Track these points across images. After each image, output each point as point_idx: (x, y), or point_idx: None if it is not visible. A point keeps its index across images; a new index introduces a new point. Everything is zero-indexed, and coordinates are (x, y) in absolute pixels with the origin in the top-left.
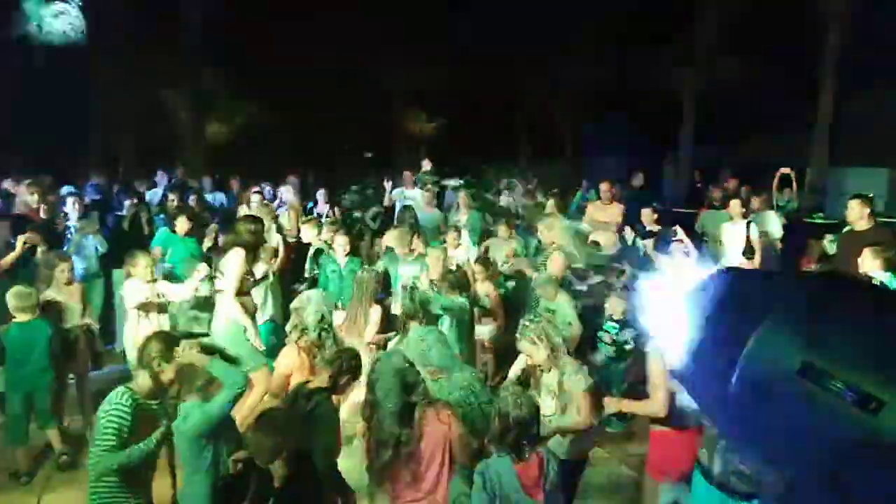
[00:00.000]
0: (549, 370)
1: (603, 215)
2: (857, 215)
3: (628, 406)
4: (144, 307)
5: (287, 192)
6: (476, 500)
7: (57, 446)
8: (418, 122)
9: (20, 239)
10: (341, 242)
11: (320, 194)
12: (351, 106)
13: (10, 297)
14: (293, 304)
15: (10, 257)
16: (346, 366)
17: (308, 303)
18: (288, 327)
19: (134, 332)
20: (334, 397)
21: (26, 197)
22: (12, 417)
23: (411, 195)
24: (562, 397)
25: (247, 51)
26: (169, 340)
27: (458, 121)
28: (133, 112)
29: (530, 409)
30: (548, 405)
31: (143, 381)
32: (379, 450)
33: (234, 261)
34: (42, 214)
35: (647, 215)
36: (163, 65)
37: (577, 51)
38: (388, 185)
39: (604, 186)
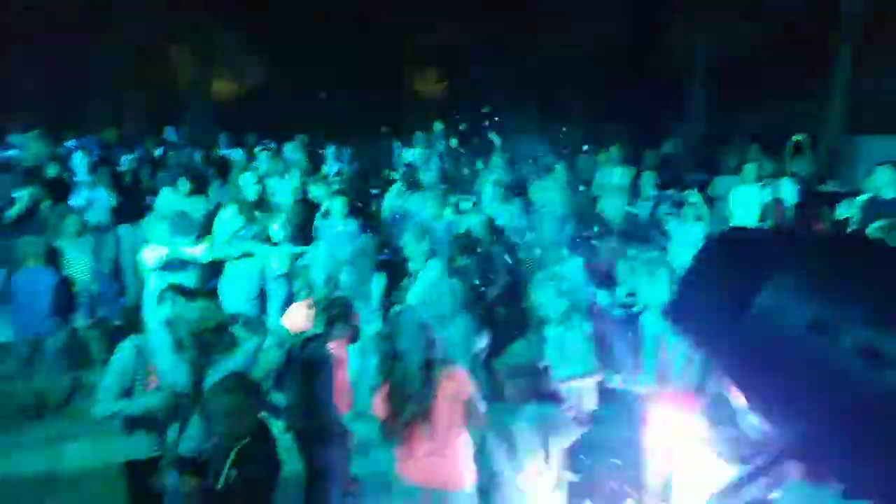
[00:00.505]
0: None
1: None
2: (888, 181)
3: None
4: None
5: (294, 151)
6: None
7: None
8: (433, 81)
9: (27, 192)
10: (339, 204)
11: (329, 152)
12: (367, 64)
13: (19, 244)
14: (301, 263)
15: (16, 209)
16: (339, 312)
17: (316, 262)
18: (296, 286)
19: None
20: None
21: (34, 150)
22: (18, 362)
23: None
24: None
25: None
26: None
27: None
28: (142, 67)
29: None
30: None
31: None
32: (397, 406)
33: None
34: (49, 168)
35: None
36: (172, 19)
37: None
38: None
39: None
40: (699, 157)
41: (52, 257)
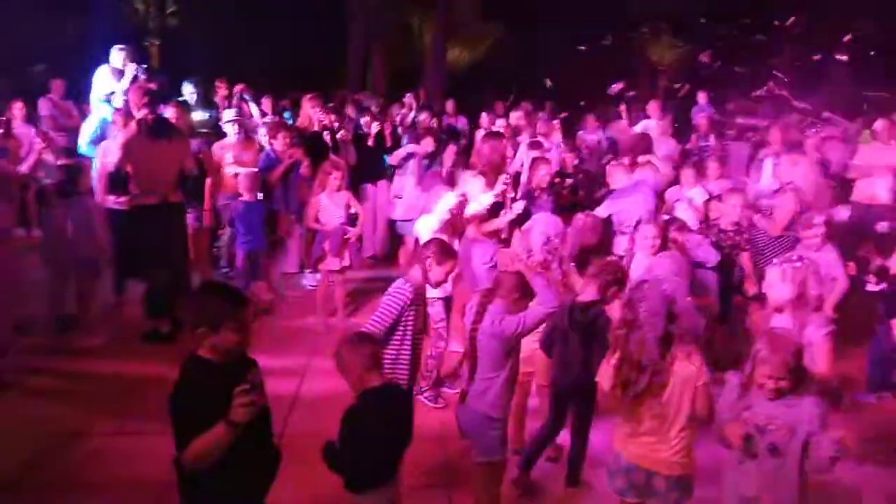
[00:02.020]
0: None
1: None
2: None
3: None
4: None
5: (518, 118)
6: None
7: None
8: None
9: (288, 153)
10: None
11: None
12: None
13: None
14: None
15: (279, 170)
16: (613, 278)
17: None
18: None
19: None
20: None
21: (309, 111)
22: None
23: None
24: None
25: None
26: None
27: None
28: (384, 36)
29: None
30: None
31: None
32: (632, 374)
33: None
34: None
35: None
36: None
37: None
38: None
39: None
40: None
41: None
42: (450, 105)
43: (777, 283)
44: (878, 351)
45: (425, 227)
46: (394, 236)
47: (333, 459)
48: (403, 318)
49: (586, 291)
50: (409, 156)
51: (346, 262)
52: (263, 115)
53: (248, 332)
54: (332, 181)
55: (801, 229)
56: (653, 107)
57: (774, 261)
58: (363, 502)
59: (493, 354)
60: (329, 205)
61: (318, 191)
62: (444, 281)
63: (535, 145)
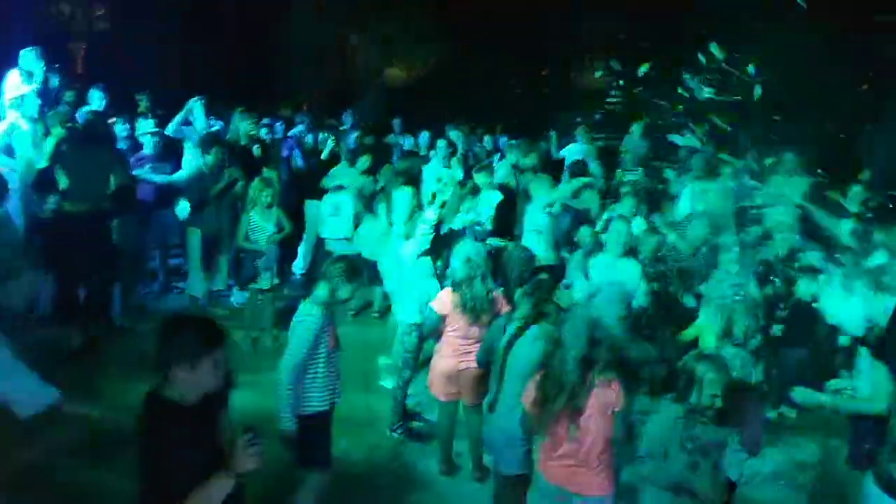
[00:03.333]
0: None
1: None
2: None
3: None
4: None
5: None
6: None
7: None
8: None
9: (226, 172)
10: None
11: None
12: (533, 52)
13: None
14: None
15: (218, 188)
16: (546, 293)
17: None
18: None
19: None
20: None
21: (240, 125)
22: None
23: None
24: None
25: None
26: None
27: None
28: (321, 53)
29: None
30: None
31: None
32: (551, 391)
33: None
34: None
35: None
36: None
37: None
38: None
39: None
40: None
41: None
42: (396, 124)
43: None
44: None
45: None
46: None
47: None
48: (317, 342)
49: (521, 308)
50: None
51: (276, 280)
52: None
53: (224, 371)
54: (263, 198)
55: None
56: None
57: None
58: None
59: (525, 374)
60: (260, 222)
61: (249, 207)
62: (351, 298)
63: None
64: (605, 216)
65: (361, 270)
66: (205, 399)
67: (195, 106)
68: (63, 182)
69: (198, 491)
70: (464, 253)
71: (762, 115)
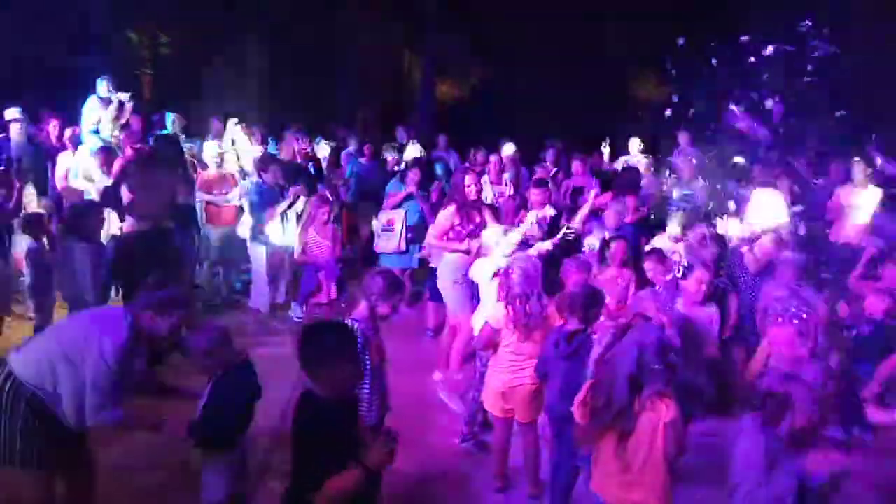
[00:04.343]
0: None
1: None
2: None
3: None
4: None
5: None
6: None
7: None
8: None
9: (292, 190)
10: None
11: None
12: (579, 72)
13: None
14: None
15: (283, 205)
16: (592, 301)
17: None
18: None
19: None
20: None
21: (295, 145)
22: None
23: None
24: None
25: (482, 17)
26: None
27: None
28: (375, 74)
29: None
30: None
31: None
32: (598, 403)
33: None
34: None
35: None
36: (405, 30)
37: None
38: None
39: None
40: None
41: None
42: (441, 140)
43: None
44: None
45: (483, 271)
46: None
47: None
48: (363, 360)
49: (570, 321)
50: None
51: (334, 296)
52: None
53: (359, 369)
54: (321, 215)
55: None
56: (632, 142)
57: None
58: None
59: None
60: (318, 238)
61: (308, 224)
62: (391, 314)
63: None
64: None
65: (402, 285)
66: (346, 396)
67: (234, 127)
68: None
69: (334, 480)
70: (523, 268)
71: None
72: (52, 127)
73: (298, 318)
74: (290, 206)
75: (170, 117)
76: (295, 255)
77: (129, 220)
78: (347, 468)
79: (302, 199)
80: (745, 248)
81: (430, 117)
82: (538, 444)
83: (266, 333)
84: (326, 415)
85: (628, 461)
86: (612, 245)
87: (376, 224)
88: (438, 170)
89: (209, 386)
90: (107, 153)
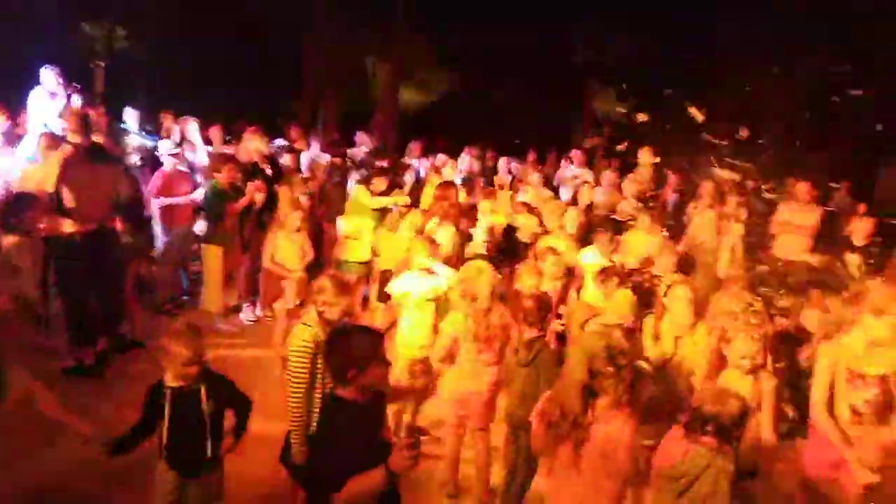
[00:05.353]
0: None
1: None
2: None
3: None
4: None
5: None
6: None
7: None
8: (608, 101)
9: (250, 186)
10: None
11: (501, 163)
12: (542, 81)
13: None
14: (462, 275)
15: (242, 202)
16: (544, 309)
17: (479, 273)
18: (455, 295)
19: None
20: None
21: (251, 144)
22: None
23: (580, 174)
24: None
25: (448, 24)
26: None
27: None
28: (336, 76)
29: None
30: None
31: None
32: (555, 420)
33: None
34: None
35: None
36: (370, 32)
37: None
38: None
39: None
40: None
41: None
42: (416, 147)
43: None
44: None
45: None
46: None
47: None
48: (314, 368)
49: (527, 329)
50: None
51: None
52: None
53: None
54: (291, 222)
55: None
56: (576, 154)
57: None
58: None
59: None
60: (287, 245)
61: (276, 229)
62: (340, 319)
63: None
64: None
65: (350, 288)
66: (373, 398)
67: (189, 127)
68: (69, 200)
69: (358, 481)
70: (487, 279)
71: None
72: None
73: (250, 320)
74: (248, 204)
75: (128, 112)
76: (264, 263)
77: (69, 222)
78: (371, 470)
79: (259, 195)
80: None
81: (393, 123)
82: (489, 452)
83: (217, 335)
84: (355, 418)
85: (582, 471)
86: None
87: (340, 230)
88: (407, 178)
89: None
90: (51, 138)
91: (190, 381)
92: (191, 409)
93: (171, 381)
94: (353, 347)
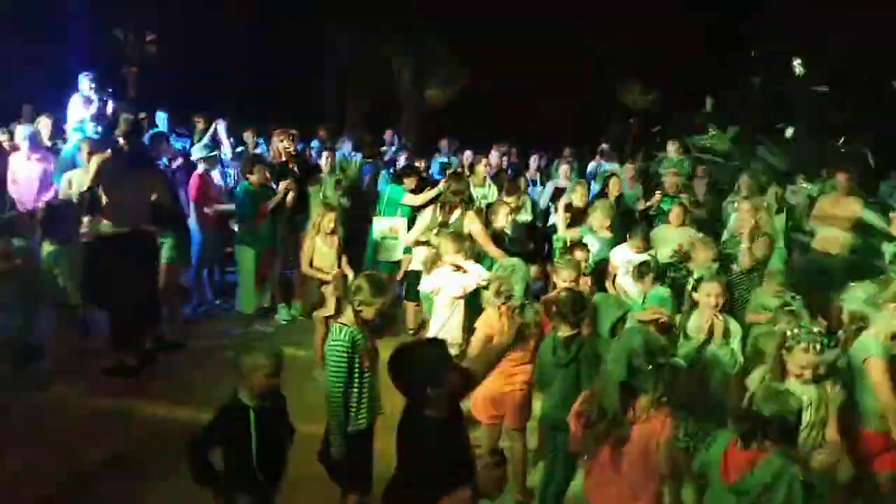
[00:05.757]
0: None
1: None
2: None
3: None
4: None
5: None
6: None
7: None
8: (632, 94)
9: (282, 184)
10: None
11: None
12: (566, 75)
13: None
14: (496, 273)
15: (273, 201)
16: (580, 306)
17: (514, 271)
18: (490, 293)
19: None
20: None
21: (278, 144)
22: None
23: (610, 168)
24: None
25: (469, 19)
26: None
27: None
28: (362, 75)
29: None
30: None
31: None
32: (592, 413)
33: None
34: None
35: None
36: (392, 31)
37: None
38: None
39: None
40: None
41: None
42: (444, 143)
43: None
44: None
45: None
46: None
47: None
48: (351, 363)
49: (562, 328)
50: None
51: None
52: (235, 147)
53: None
54: (327, 223)
55: None
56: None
57: None
58: None
59: None
60: (323, 248)
61: (312, 232)
62: (376, 318)
63: None
64: None
65: (386, 287)
66: (452, 412)
67: (219, 127)
68: (105, 202)
69: (444, 501)
70: (523, 276)
71: None
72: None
73: (285, 321)
74: (280, 202)
75: (160, 116)
76: (303, 269)
77: (105, 223)
78: (458, 491)
79: (291, 194)
80: None
81: (419, 121)
82: (526, 451)
83: (252, 337)
84: (439, 436)
85: (622, 470)
86: None
87: (376, 231)
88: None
89: None
90: (92, 143)
91: (272, 397)
92: (277, 427)
93: (248, 399)
94: (424, 364)
